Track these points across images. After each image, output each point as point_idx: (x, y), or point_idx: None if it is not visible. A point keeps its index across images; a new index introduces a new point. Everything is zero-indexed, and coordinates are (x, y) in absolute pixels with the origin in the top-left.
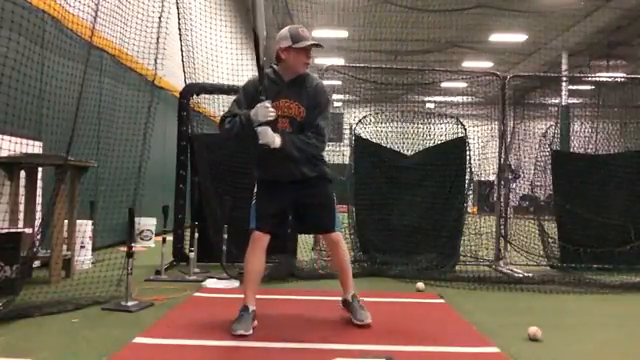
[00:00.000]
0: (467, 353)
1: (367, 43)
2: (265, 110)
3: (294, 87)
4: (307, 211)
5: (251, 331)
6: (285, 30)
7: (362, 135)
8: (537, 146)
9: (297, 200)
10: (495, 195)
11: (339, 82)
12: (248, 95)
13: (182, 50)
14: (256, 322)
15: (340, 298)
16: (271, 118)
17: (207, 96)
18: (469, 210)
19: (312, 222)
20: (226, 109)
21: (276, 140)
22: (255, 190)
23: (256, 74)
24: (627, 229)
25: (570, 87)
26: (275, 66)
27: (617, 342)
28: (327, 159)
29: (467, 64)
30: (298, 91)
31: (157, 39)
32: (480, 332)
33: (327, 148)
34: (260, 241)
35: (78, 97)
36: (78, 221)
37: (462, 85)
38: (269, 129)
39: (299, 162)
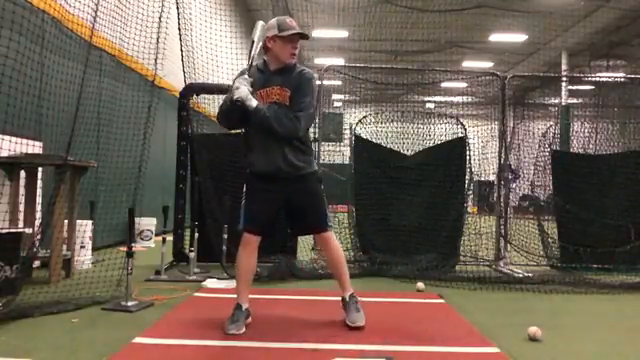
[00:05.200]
0: (467, 353)
1: (367, 43)
2: (243, 79)
3: (280, 75)
4: (298, 213)
5: (243, 329)
6: (273, 20)
7: (362, 135)
8: (537, 146)
9: (287, 200)
10: (495, 195)
11: (339, 82)
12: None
13: (182, 50)
14: (250, 319)
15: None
16: (244, 87)
17: (207, 96)
18: (469, 210)
19: (305, 224)
20: None
21: (252, 102)
22: (244, 189)
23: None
24: (627, 229)
25: (570, 87)
26: (264, 57)
27: (617, 342)
28: (320, 157)
29: (467, 64)
30: (283, 78)
31: (157, 39)
32: (480, 332)
33: (327, 148)
34: (250, 243)
35: (78, 97)
36: (78, 221)
37: (462, 85)
38: (245, 88)
39: (285, 147)
